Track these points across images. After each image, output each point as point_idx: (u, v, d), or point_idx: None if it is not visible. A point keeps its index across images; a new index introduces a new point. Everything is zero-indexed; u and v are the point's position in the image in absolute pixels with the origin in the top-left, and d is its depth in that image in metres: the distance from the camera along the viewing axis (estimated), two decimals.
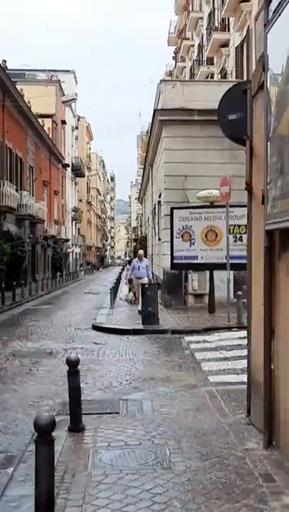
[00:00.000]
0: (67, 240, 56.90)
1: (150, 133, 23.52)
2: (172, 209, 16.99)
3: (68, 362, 5.84)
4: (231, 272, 19.34)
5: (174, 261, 16.79)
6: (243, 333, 13.26)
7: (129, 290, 20.16)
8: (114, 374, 9.20)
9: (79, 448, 5.37)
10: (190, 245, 16.56)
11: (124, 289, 21.43)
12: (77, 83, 74.64)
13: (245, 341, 12.16)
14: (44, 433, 3.64)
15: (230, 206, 16.09)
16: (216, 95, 19.86)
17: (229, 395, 7.40)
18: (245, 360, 10.22)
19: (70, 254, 62.31)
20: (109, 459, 5.02)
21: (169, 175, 20.34)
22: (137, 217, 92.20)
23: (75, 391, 5.79)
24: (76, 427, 5.83)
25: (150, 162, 29.24)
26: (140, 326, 14.43)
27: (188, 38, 40.52)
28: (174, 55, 48.84)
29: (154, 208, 27.93)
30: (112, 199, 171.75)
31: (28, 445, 5.62)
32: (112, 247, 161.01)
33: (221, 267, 16.16)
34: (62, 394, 7.57)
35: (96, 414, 6.80)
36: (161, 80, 20.44)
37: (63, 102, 52.62)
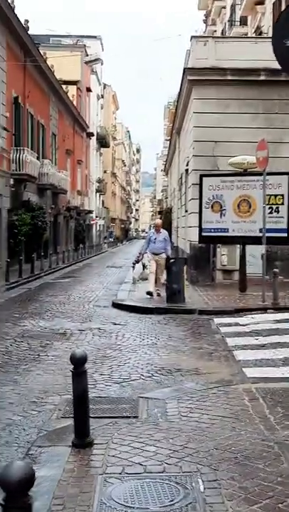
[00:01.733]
0: (90, 212, 55.61)
1: (178, 95, 21.90)
2: (201, 177, 15.50)
3: (73, 359, 4.49)
4: (263, 247, 17.97)
5: (203, 234, 15.35)
6: (281, 315, 11.97)
7: (144, 267, 17.37)
8: (134, 363, 7.92)
9: (83, 474, 4.08)
10: (220, 217, 15.10)
11: (137, 267, 19.04)
12: (103, 50, 72.65)
13: (283, 326, 10.88)
14: (15, 495, 2.29)
15: (267, 174, 14.60)
16: (252, 54, 18.28)
17: (272, 396, 6.06)
18: (286, 349, 8.96)
19: (94, 226, 61.11)
20: (123, 496, 3.71)
21: (198, 140, 18.79)
22: (163, 189, 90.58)
23: (81, 398, 4.48)
24: (82, 441, 4.54)
25: (177, 129, 27.61)
26: (164, 305, 13.13)
27: None
28: (204, 18, 46.61)
29: (181, 178, 26.41)
30: (137, 171, 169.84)
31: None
32: (136, 219, 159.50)
33: (255, 240, 14.73)
34: (71, 387, 6.29)
35: (110, 418, 5.53)
36: (192, 37, 18.73)
37: (86, 63, 50.73)
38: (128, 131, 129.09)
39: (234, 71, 18.32)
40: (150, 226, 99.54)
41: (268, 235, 14.29)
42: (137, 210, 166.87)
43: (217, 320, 11.45)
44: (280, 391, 6.25)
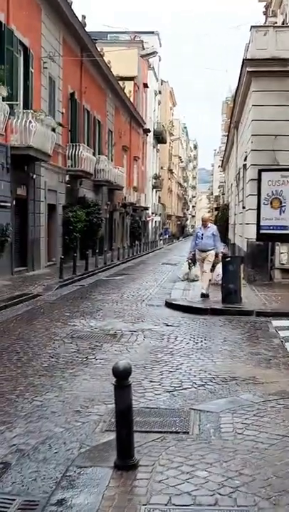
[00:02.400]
0: (146, 208, 55.34)
1: (237, 88, 21.18)
2: (260, 171, 14.84)
3: (116, 372, 4.03)
4: None
5: (261, 231, 14.71)
6: None
7: (189, 266, 15.03)
8: (187, 369, 7.44)
9: (125, 503, 3.63)
10: (280, 213, 14.42)
11: (184, 266, 17.30)
12: (161, 45, 72.14)
13: None
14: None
15: None
16: None
17: None
18: None
19: (149, 222, 60.83)
20: None
21: (257, 134, 18.06)
22: (220, 185, 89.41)
23: (124, 415, 4.02)
24: (125, 462, 4.10)
25: (235, 123, 26.85)
26: (220, 305, 12.58)
27: None
28: (264, 9, 45.41)
29: (238, 173, 25.65)
30: (194, 168, 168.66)
31: (58, 484, 3.97)
32: (193, 216, 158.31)
33: None
34: None
35: (158, 432, 5.07)
36: (251, 26, 17.99)
37: (142, 56, 50.24)
38: (185, 127, 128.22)
39: None
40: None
41: None
42: (193, 206, 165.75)
43: (275, 323, 10.83)
44: None
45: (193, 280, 14.95)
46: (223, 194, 49.26)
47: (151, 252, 45.11)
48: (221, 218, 34.15)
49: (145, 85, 55.34)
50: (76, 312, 12.40)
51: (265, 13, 45.52)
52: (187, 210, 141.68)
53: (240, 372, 7.30)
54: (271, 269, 17.91)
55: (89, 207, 27.62)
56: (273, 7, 40.57)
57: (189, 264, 14.27)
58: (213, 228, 14.29)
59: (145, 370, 7.37)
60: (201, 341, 9.24)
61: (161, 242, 63.95)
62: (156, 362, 7.84)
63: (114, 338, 9.55)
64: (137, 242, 43.48)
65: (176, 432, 5.12)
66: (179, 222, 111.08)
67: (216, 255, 13.89)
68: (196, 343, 9.14)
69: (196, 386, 6.67)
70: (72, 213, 24.79)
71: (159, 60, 72.82)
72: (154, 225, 66.54)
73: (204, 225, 14.17)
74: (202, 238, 13.85)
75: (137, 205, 47.31)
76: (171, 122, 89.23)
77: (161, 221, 76.39)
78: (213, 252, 13.78)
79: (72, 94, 26.39)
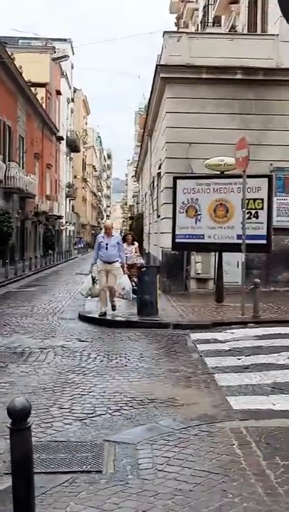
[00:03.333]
0: (60, 217, 54.27)
1: (150, 94, 20.85)
2: (175, 179, 14.45)
3: (11, 412, 3.28)
4: (242, 255, 16.99)
5: (177, 240, 14.29)
6: (263, 330, 10.91)
7: (94, 281, 12.78)
8: (100, 391, 6.76)
9: None
10: (195, 222, 14.06)
11: (85, 281, 13.53)
12: (74, 53, 71.40)
13: (267, 343, 9.84)
14: None
15: (246, 177, 13.65)
16: (228, 51, 17.31)
17: (267, 439, 4.97)
18: (272, 372, 7.90)
19: (63, 231, 59.74)
20: None
21: (171, 142, 17.74)
22: (134, 195, 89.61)
23: (23, 465, 3.29)
24: None
25: (149, 131, 26.58)
26: (135, 318, 12.01)
27: (192, 1, 37.56)
28: (176, 21, 45.84)
29: (153, 182, 25.36)
30: (108, 177, 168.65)
31: None
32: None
33: (232, 248, 13.75)
34: None
35: (67, 473, 4.39)
36: (164, 32, 17.67)
37: (54, 60, 49.36)
38: (99, 137, 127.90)
39: (209, 69, 17.34)
40: (121, 231, 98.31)
41: (246, 241, 13.38)
42: (108, 216, 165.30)
43: (193, 335, 10.36)
44: (275, 431, 5.17)
45: (97, 296, 12.88)
46: (138, 203, 49.08)
47: (65, 261, 44.13)
48: (136, 227, 33.75)
49: (58, 92, 54.41)
50: None
51: (176, 24, 46.00)
52: (102, 219, 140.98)
53: (159, 392, 6.71)
54: (187, 278, 17.60)
55: None
56: (185, 18, 41.01)
57: (93, 278, 12.74)
58: (117, 237, 13.26)
59: (54, 395, 6.64)
60: (116, 358, 8.59)
61: (76, 251, 63.01)
62: (66, 384, 7.12)
63: (21, 357, 8.72)
64: (50, 252, 42.41)
65: (88, 472, 4.45)
66: (93, 232, 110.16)
67: (122, 267, 12.88)
68: (111, 360, 8.48)
69: (110, 412, 6.01)
70: None
71: (72, 68, 72.06)
72: (68, 234, 65.45)
73: (108, 233, 12.84)
74: (107, 248, 12.44)
75: (50, 213, 46.20)
76: (85, 131, 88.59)
77: (75, 230, 75.42)
78: (118, 264, 12.64)
79: None
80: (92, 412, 6.00)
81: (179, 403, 6.30)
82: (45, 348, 9.38)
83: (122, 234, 16.57)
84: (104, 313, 12.27)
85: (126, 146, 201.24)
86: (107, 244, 12.49)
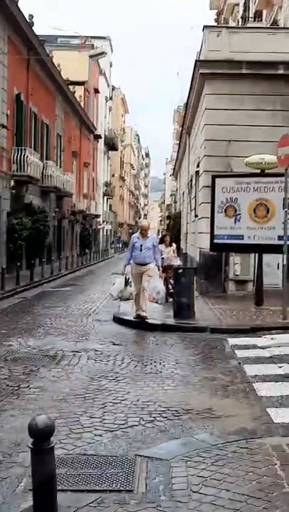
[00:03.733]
0: (97, 216, 54.25)
1: (189, 91, 20.46)
2: (214, 177, 14.06)
3: (32, 430, 2.99)
4: (283, 256, 16.49)
5: (215, 241, 13.89)
6: None
7: (126, 282, 12.41)
8: (134, 399, 6.45)
9: None
10: (235, 222, 13.64)
11: (117, 282, 13.03)
12: (112, 51, 71.44)
13: None
14: None
15: (284, 175, 13.19)
16: (270, 46, 16.79)
17: None
18: None
19: (100, 230, 59.75)
20: None
21: (210, 139, 17.34)
22: (171, 194, 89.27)
23: (44, 489, 3.00)
24: None
25: (188, 128, 26.19)
26: (171, 321, 11.67)
27: None
28: (216, 17, 45.21)
29: (191, 181, 24.97)
30: (146, 176, 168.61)
31: None
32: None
33: (273, 249, 13.31)
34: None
35: (95, 491, 4.09)
36: (204, 26, 17.28)
37: (91, 57, 49.28)
38: (137, 135, 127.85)
39: (250, 64, 16.90)
40: (158, 231, 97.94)
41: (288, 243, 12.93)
42: (145, 215, 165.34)
43: (232, 340, 9.98)
44: None
45: (128, 299, 12.49)
46: (175, 202, 48.70)
47: (102, 261, 44.06)
48: (174, 227, 33.38)
49: (96, 90, 54.42)
50: (14, 329, 11.26)
51: (216, 20, 45.35)
52: (139, 218, 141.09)
53: (195, 402, 6.36)
54: (225, 280, 17.19)
55: (35, 214, 26.41)
56: (225, 14, 40.38)
57: (126, 279, 12.29)
58: (153, 238, 12.24)
59: (85, 402, 6.36)
60: (151, 364, 8.28)
61: (113, 250, 63.01)
62: (98, 391, 6.83)
63: (53, 361, 8.48)
64: (87, 251, 42.37)
65: (118, 491, 4.14)
66: (130, 231, 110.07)
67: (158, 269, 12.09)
68: (145, 365, 8.17)
69: (143, 423, 5.69)
70: (17, 220, 23.50)
71: (110, 66, 72.08)
72: (105, 233, 65.48)
73: (143, 234, 11.87)
74: (141, 250, 11.64)
75: (87, 212, 46.17)
76: (123, 129, 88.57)
77: (112, 229, 75.45)
78: (153, 266, 11.74)
79: (18, 96, 25.18)
80: (124, 422, 5.70)
81: (216, 415, 5.95)
82: (78, 352, 9.12)
83: (161, 235, 15.94)
84: (140, 317, 11.57)
85: (164, 144, 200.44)
86: (141, 245, 11.66)
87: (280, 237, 13.03)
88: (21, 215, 24.13)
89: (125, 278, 12.40)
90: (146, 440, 5.22)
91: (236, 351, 9.11)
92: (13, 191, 24.41)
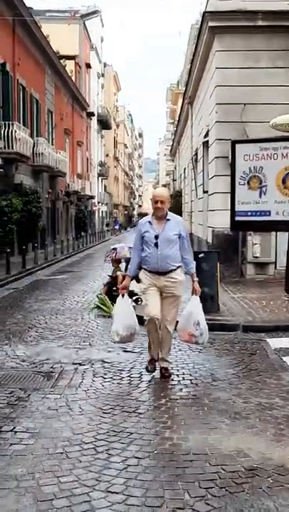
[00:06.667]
0: (92, 197, 51.98)
1: (195, 50, 18.18)
2: (234, 143, 11.86)
3: None
4: None
5: (237, 218, 11.74)
6: None
7: (136, 302, 9.92)
8: (167, 452, 4.39)
9: None
10: (260, 195, 11.48)
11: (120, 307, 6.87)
12: (103, 26, 68.70)
13: None
14: None
15: None
16: None
17: None
18: None
19: (96, 212, 57.51)
20: None
21: (222, 103, 15.14)
22: (167, 173, 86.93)
23: None
24: None
25: (190, 97, 23.87)
26: None
27: None
28: None
29: (195, 155, 22.77)
30: (140, 156, 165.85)
31: None
32: (139, 206, 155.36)
33: None
34: None
35: None
36: None
37: (82, 17, 46.73)
38: (130, 115, 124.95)
39: (266, 14, 14.63)
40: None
41: None
42: (140, 195, 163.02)
43: (272, 342, 7.96)
44: None
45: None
46: (174, 181, 46.41)
47: (98, 244, 41.88)
48: (176, 205, 31.19)
49: (88, 65, 51.84)
50: (0, 332, 9.18)
51: None
52: (134, 199, 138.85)
53: (257, 455, 4.31)
54: (242, 263, 15.13)
55: (27, 195, 24.17)
56: None
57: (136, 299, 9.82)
58: (178, 222, 6.54)
59: (96, 459, 4.30)
60: (178, 383, 6.22)
61: (109, 232, 60.89)
62: (114, 434, 4.78)
63: (48, 381, 6.40)
64: (83, 234, 40.24)
65: None
66: (126, 212, 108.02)
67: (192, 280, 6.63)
68: (172, 386, 6.12)
69: (190, 502, 3.64)
70: (7, 202, 21.28)
71: (102, 41, 69.27)
72: (100, 214, 63.23)
73: (159, 217, 6.42)
74: (157, 246, 6.31)
75: (81, 193, 43.88)
76: (116, 108, 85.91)
77: (108, 211, 73.23)
78: (181, 277, 6.49)
79: (3, 65, 22.84)
80: (157, 503, 3.63)
81: None
82: (80, 364, 7.07)
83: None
84: (154, 368, 6.56)
85: (156, 125, 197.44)
86: (157, 237, 6.34)
87: None
88: (11, 196, 21.89)
89: (134, 298, 8.32)
90: None
91: (284, 358, 7.08)
92: (1, 170, 22.19)
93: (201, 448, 4.44)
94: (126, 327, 6.57)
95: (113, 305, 8.18)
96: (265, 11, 14.63)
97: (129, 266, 7.18)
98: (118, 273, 11.68)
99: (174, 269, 6.38)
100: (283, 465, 4.12)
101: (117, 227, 68.50)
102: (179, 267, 6.44)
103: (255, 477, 3.94)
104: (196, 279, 6.62)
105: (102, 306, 11.01)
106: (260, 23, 14.76)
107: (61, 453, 4.41)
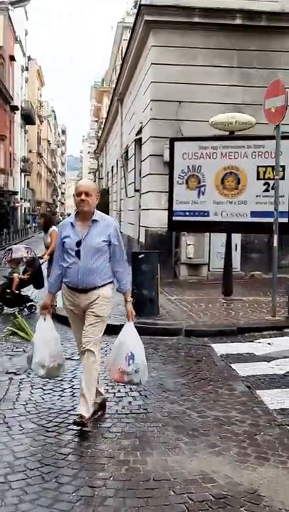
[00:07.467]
0: (15, 193, 50.57)
1: (128, 45, 17.74)
2: (173, 141, 11.54)
3: None
4: (238, 236, 14.34)
5: (175, 218, 11.41)
6: None
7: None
8: (119, 474, 3.93)
9: None
10: (198, 195, 11.23)
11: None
12: (27, 19, 67.14)
13: None
14: None
15: (260, 138, 11.02)
16: None
17: None
18: None
19: (18, 208, 56.05)
20: None
21: (157, 99, 14.82)
22: (90, 171, 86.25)
23: None
24: None
25: (120, 94, 23.44)
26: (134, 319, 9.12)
27: None
28: None
29: (126, 152, 22.36)
30: (63, 153, 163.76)
31: None
32: (62, 203, 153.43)
33: (245, 228, 11.11)
34: None
35: None
36: None
37: (12, 4, 45.36)
38: (53, 111, 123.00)
39: (203, 11, 14.46)
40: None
41: (258, 220, 10.81)
42: (63, 193, 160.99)
43: (217, 348, 7.64)
44: None
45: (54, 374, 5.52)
46: (101, 179, 45.84)
47: (22, 241, 40.61)
48: (103, 203, 30.62)
49: (12, 58, 50.32)
50: None
51: None
52: (57, 196, 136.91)
53: (222, 478, 3.92)
54: (176, 264, 14.86)
55: None
56: None
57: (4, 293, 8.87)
58: (109, 225, 5.04)
59: (44, 491, 3.75)
60: (126, 394, 5.75)
61: (32, 229, 59.54)
62: (62, 459, 4.24)
63: None
64: (5, 230, 38.98)
65: None
66: (49, 209, 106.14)
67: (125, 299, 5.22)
68: (119, 399, 5.63)
69: None
70: None
71: (26, 34, 67.64)
72: (23, 211, 61.72)
73: (84, 216, 4.98)
74: (79, 255, 4.91)
75: (4, 189, 42.50)
76: (40, 103, 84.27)
77: (30, 207, 71.68)
78: (108, 291, 5.05)
79: None
80: None
81: (267, 504, 3.54)
82: (15, 374, 6.46)
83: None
84: (81, 421, 4.77)
85: (79, 123, 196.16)
86: (79, 243, 4.93)
87: (253, 214, 10.86)
88: None
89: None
90: None
91: (233, 366, 6.75)
92: None
93: (161, 473, 3.99)
94: (52, 357, 5.17)
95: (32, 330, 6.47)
96: (202, 8, 14.44)
97: (49, 279, 5.83)
98: (15, 275, 11.00)
99: (101, 286, 4.94)
100: (255, 491, 3.73)
101: (35, 224, 67.10)
102: (109, 282, 5.02)
103: (226, 507, 3.53)
104: (130, 299, 5.12)
105: (19, 332, 7.87)
106: (196, 19, 14.56)
107: (3, 483, 3.84)
